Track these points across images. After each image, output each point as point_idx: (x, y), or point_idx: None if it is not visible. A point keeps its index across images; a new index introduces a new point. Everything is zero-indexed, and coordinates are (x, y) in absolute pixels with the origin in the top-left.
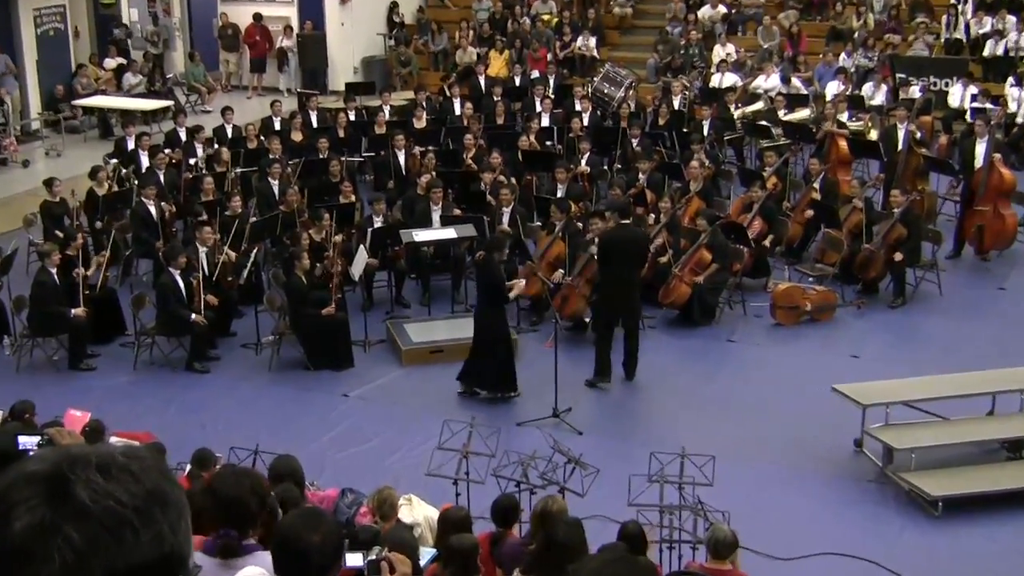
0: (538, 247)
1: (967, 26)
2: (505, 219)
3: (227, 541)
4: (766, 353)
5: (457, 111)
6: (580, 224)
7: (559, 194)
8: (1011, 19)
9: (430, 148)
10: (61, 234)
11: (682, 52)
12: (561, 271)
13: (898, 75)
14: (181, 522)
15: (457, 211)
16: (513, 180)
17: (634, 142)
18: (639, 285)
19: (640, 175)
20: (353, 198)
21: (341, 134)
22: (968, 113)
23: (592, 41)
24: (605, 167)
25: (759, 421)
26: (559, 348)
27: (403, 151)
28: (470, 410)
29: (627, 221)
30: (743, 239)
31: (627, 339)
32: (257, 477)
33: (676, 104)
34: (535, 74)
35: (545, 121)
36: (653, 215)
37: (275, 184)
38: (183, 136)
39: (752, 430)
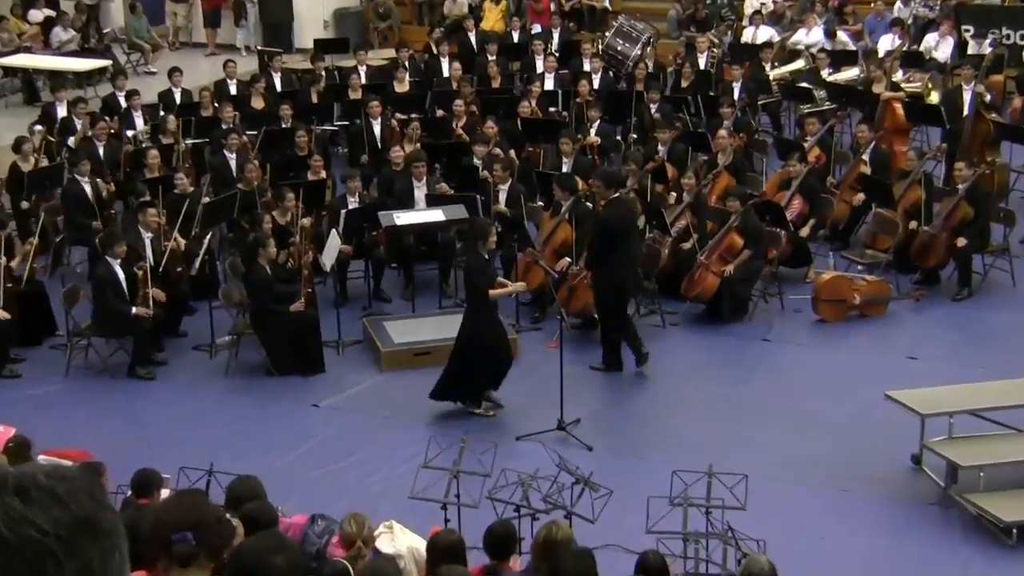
0: (541, 231)
1: None
2: (502, 198)
3: None
4: (807, 354)
5: (445, 72)
6: (589, 204)
7: (565, 169)
8: None
9: (413, 116)
10: None
11: (709, 2)
12: (568, 259)
13: (964, 27)
14: (115, 553)
15: (445, 189)
16: (511, 153)
17: (652, 108)
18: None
19: (659, 147)
20: (323, 174)
21: (312, 100)
22: None
23: None
24: (619, 138)
25: (799, 434)
26: (565, 349)
27: (380, 119)
28: (461, 423)
29: (617, 194)
30: (780, 221)
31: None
32: (207, 505)
33: (702, 63)
34: (536, 28)
35: (548, 84)
36: (674, 193)
37: (232, 158)
38: (123, 102)
39: (791, 445)
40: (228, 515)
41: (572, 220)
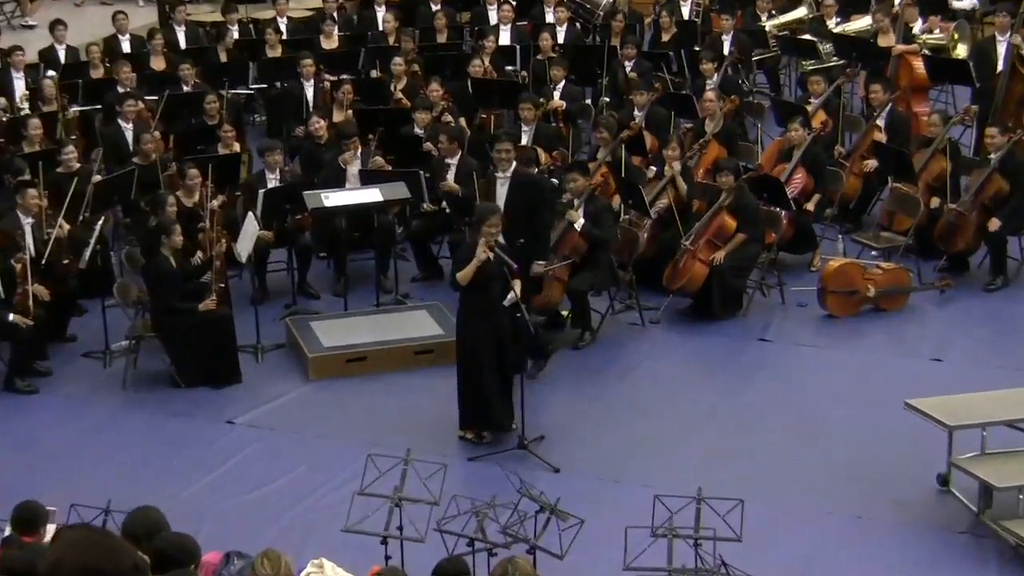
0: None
1: None
2: (450, 175)
3: None
4: (813, 356)
5: (381, 25)
6: (555, 180)
7: (525, 140)
8: None
9: (344, 77)
10: None
11: None
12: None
13: None
14: None
15: (382, 163)
16: (461, 121)
17: (628, 66)
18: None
19: (636, 111)
20: (237, 147)
21: (222, 58)
22: None
23: None
24: (588, 101)
25: (805, 451)
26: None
27: (314, 81)
28: (404, 439)
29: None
30: (780, 198)
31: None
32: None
33: (685, 13)
34: None
35: (504, 38)
36: (654, 167)
37: (128, 128)
38: None
39: (795, 464)
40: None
41: None
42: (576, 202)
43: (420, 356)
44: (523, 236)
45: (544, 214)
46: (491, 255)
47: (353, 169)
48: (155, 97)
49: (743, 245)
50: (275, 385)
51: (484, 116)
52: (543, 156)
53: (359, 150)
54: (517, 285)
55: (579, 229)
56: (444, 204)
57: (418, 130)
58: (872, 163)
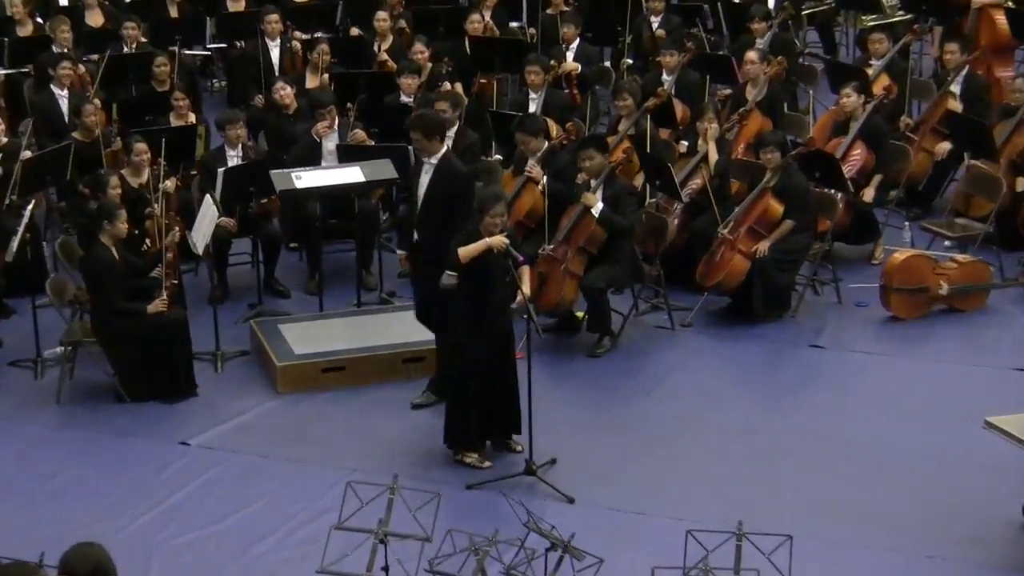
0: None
1: None
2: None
3: None
4: (875, 366)
5: None
6: (567, 157)
7: (533, 108)
8: None
9: (318, 35)
10: None
11: None
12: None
13: None
14: None
15: (363, 137)
16: (457, 86)
17: (654, 22)
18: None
19: (664, 76)
20: (192, 118)
21: (172, 13)
22: None
23: None
24: (607, 63)
25: (864, 478)
26: (535, 361)
27: (280, 41)
28: (390, 463)
29: (444, 148)
30: (835, 179)
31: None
32: None
33: None
34: None
35: None
36: (686, 142)
37: (63, 96)
38: None
39: (851, 493)
40: None
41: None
42: (592, 183)
43: (409, 365)
44: (436, 233)
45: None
46: (505, 243)
47: (329, 144)
48: (94, 59)
49: (791, 234)
50: (237, 400)
51: (484, 81)
52: (554, 128)
53: (336, 121)
54: (525, 280)
55: (596, 215)
56: None
57: (406, 98)
58: (944, 146)
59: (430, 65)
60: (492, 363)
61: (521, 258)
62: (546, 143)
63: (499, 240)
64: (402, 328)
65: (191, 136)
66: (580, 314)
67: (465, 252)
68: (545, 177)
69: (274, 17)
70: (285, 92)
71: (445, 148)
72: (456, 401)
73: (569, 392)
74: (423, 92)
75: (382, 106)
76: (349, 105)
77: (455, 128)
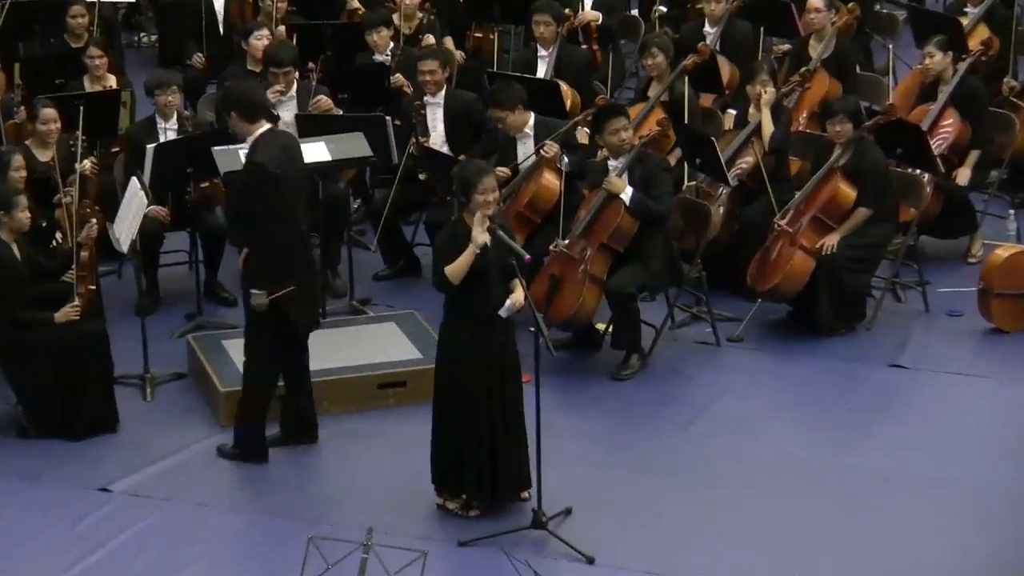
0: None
1: None
2: (433, 121)
3: None
4: (971, 390)
5: None
6: (584, 130)
7: (542, 70)
8: None
9: None
10: None
11: None
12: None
13: None
14: None
15: (328, 105)
16: (447, 42)
17: None
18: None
19: (707, 27)
20: (114, 81)
21: None
22: None
23: None
24: (634, 12)
25: (954, 530)
26: (548, 383)
27: None
28: (363, 513)
29: (268, 127)
30: (920, 156)
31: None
32: None
33: None
34: None
35: None
36: (733, 111)
37: None
38: None
39: (939, 548)
40: None
41: (556, 160)
42: (617, 164)
43: (387, 391)
44: None
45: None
46: (489, 238)
47: (287, 114)
48: None
49: (866, 225)
50: (171, 435)
51: (479, 36)
52: (568, 93)
53: (295, 86)
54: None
55: (627, 202)
56: (421, 166)
57: (381, 56)
58: None
59: (419, 16)
60: (491, 390)
61: (526, 256)
62: (531, 116)
63: (481, 235)
64: (378, 344)
65: (113, 104)
66: (602, 326)
67: (455, 270)
68: (565, 157)
69: None
70: (258, 41)
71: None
72: (441, 433)
73: (588, 424)
74: (404, 48)
75: (352, 66)
76: (311, 65)
77: (442, 93)
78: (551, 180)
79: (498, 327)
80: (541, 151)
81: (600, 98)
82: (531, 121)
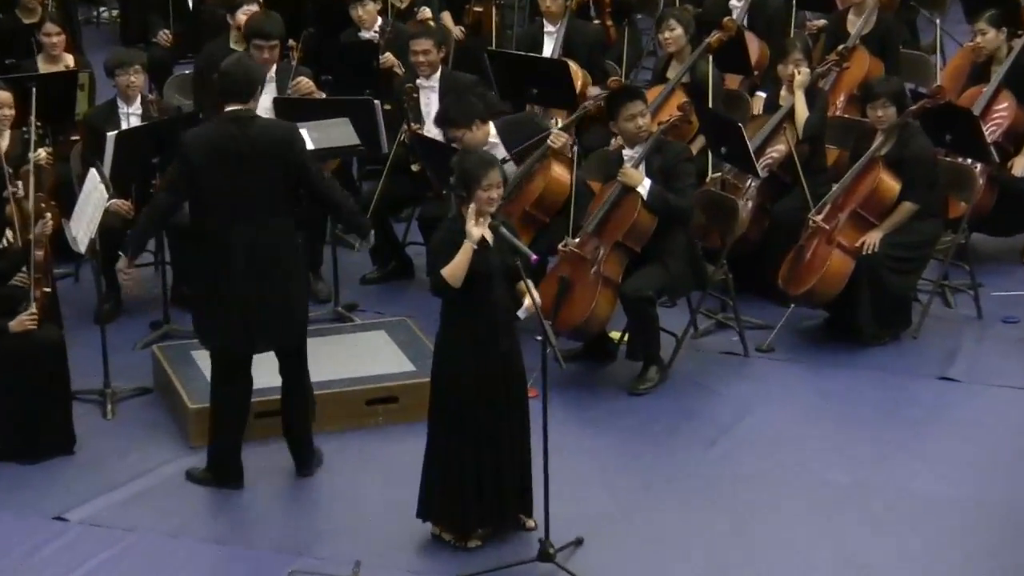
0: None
1: None
2: (427, 105)
3: None
4: None
5: None
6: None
7: (548, 48)
8: None
9: None
10: None
11: None
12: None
13: None
14: None
15: (309, 87)
16: (444, 17)
17: None
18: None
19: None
20: (71, 61)
21: None
22: None
23: None
24: None
25: (1014, 566)
26: (556, 399)
27: None
28: (350, 544)
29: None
30: (972, 144)
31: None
32: None
33: None
34: None
35: None
36: (762, 93)
37: None
38: None
39: None
40: None
41: (567, 148)
42: (633, 153)
43: (376, 407)
44: None
45: None
46: (490, 236)
47: (264, 99)
48: None
49: (912, 221)
50: (134, 457)
51: (479, 10)
52: (577, 74)
53: (275, 66)
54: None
55: (644, 197)
56: (413, 156)
57: (368, 33)
58: None
59: None
60: (493, 407)
61: (532, 256)
62: (490, 127)
63: (477, 231)
64: (366, 355)
65: (69, 86)
66: (616, 335)
67: (453, 271)
68: (575, 147)
69: None
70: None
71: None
72: (437, 456)
73: (601, 444)
74: (393, 25)
75: (337, 44)
76: (292, 43)
77: (437, 74)
78: (561, 173)
79: (502, 336)
80: (548, 141)
81: (614, 80)
82: (492, 131)
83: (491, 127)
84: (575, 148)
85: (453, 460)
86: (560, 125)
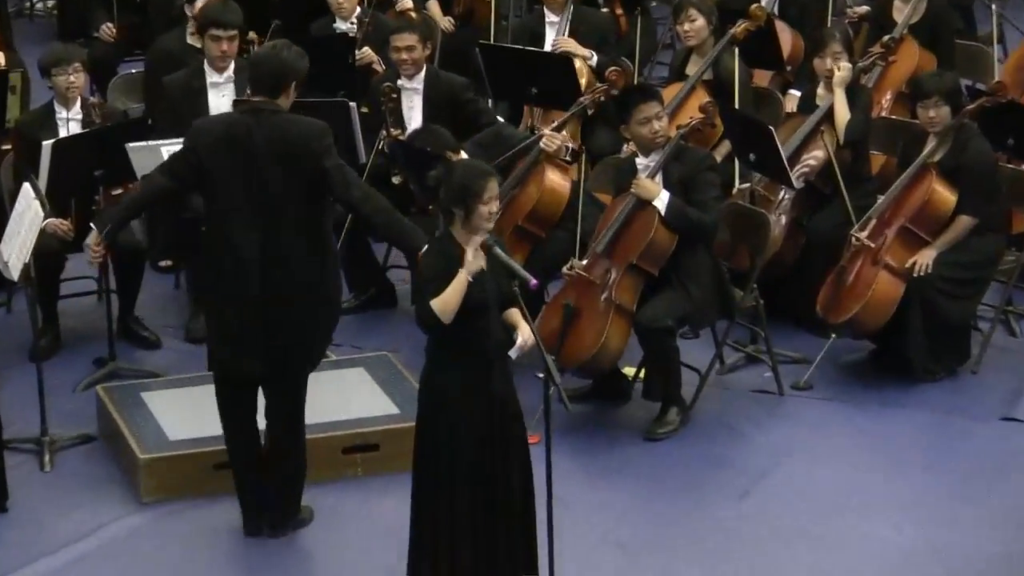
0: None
1: None
2: (409, 110)
3: None
4: None
5: None
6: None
7: (550, 40)
8: None
9: None
10: None
11: None
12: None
13: None
14: None
15: None
16: (431, 7)
17: None
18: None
19: None
20: (2, 58)
21: None
22: None
23: None
24: None
25: None
26: (560, 448)
27: None
28: None
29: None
30: None
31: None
32: None
33: None
34: None
35: None
36: (796, 92)
37: None
38: None
39: None
40: None
41: (573, 154)
42: (649, 162)
43: (354, 456)
44: None
45: None
46: (483, 259)
47: (222, 100)
48: None
49: (970, 238)
50: (76, 515)
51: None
52: (583, 71)
53: (232, 65)
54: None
55: (661, 211)
56: (394, 165)
57: (344, 24)
58: None
59: None
60: (488, 455)
61: (532, 281)
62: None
63: (474, 257)
64: (343, 396)
65: (1, 88)
66: (631, 371)
67: (445, 303)
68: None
69: None
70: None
71: None
72: (425, 512)
73: (613, 497)
74: (372, 16)
75: (308, 37)
76: (254, 36)
77: (422, 75)
78: (557, 180)
79: (497, 375)
80: (541, 144)
81: (613, 71)
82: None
83: (462, 155)
84: (583, 155)
85: (443, 516)
86: (554, 124)
